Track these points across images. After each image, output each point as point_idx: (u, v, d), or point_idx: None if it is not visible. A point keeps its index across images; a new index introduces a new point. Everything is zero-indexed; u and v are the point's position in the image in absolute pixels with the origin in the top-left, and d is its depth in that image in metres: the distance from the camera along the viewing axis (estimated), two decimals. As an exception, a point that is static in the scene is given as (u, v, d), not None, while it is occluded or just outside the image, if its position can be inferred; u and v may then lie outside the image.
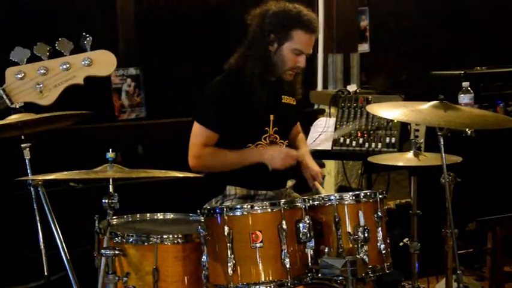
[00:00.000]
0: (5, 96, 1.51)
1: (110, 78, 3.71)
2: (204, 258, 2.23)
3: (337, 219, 2.21)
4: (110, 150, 2.17)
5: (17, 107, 2.29)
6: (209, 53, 3.97)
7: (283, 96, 2.83)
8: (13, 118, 2.41)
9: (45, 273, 2.38)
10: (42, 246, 2.39)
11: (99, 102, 3.65)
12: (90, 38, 1.59)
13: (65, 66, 1.56)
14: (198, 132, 2.68)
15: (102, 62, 1.59)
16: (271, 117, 2.75)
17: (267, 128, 2.74)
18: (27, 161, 2.43)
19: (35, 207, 2.40)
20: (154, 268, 2.27)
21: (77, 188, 3.16)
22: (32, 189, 2.41)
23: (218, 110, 2.68)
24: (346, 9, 4.38)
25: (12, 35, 3.38)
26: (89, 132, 3.49)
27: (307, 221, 2.18)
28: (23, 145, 2.51)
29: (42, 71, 1.54)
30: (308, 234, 2.18)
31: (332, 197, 2.27)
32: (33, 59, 1.58)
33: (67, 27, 3.58)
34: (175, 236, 2.31)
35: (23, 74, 1.53)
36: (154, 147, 3.80)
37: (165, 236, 2.31)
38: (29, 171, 2.43)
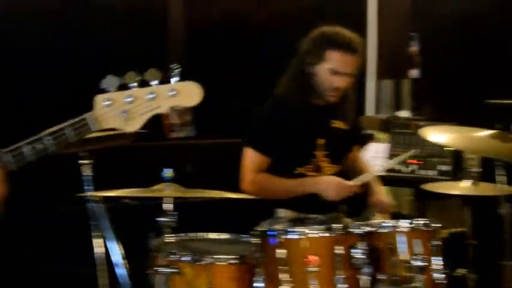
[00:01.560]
0: (90, 123, 1.55)
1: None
2: (258, 280, 2.23)
3: (392, 247, 2.19)
4: (170, 169, 2.22)
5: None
6: (258, 74, 4.01)
7: (333, 120, 2.83)
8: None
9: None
10: (97, 261, 2.42)
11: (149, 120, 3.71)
12: (178, 68, 1.61)
13: (151, 96, 1.59)
14: (250, 157, 2.69)
15: (188, 93, 1.61)
16: (320, 141, 2.75)
17: (315, 152, 2.74)
18: (86, 177, 2.48)
19: (93, 222, 2.44)
20: (207, 288, 2.28)
21: (130, 204, 3.21)
22: (90, 205, 2.46)
23: (268, 134, 2.70)
24: (396, 35, 4.38)
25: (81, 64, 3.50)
26: (140, 150, 3.54)
27: (363, 247, 2.17)
28: (81, 161, 2.59)
29: (129, 99, 1.57)
30: (363, 261, 2.16)
31: (388, 224, 2.25)
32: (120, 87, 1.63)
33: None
34: (230, 257, 2.32)
35: (111, 102, 1.57)
36: (202, 166, 3.83)
37: (220, 257, 2.32)
38: (87, 187, 2.49)
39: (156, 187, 2.24)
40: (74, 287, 3.00)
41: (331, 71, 2.66)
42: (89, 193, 2.45)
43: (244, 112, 2.99)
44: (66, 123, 1.55)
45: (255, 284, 2.24)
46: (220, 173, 3.05)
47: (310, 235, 2.18)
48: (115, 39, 3.85)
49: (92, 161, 2.51)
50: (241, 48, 4.14)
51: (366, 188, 2.79)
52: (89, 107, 1.57)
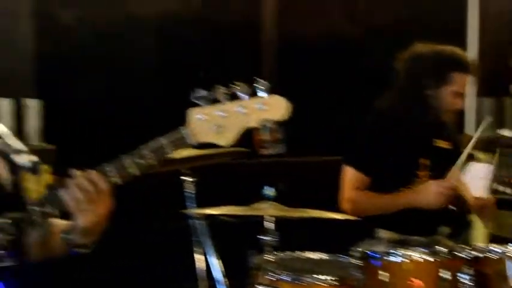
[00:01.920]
0: (185, 136, 1.58)
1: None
2: (360, 302, 2.21)
3: (502, 273, 2.12)
4: (271, 188, 2.24)
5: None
6: (350, 91, 4.00)
7: (436, 140, 2.77)
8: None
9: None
10: (199, 277, 2.48)
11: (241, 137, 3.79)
12: (266, 83, 1.63)
13: (242, 110, 1.61)
14: (350, 175, 2.67)
15: (276, 107, 1.63)
16: (424, 161, 2.69)
17: (419, 172, 2.68)
18: (189, 194, 2.55)
19: (194, 238, 2.50)
20: (309, 308, 2.28)
21: (230, 221, 3.27)
22: (192, 221, 2.53)
23: (371, 152, 2.67)
24: (496, 51, 4.24)
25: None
26: (240, 167, 3.60)
27: (470, 273, 2.10)
28: (183, 178, 2.66)
29: (221, 113, 1.59)
30: (470, 287, 2.09)
31: (497, 249, 2.17)
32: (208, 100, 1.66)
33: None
34: (330, 278, 2.31)
35: (204, 115, 1.59)
36: (300, 184, 3.84)
37: (320, 277, 2.31)
38: (190, 204, 2.56)
39: (256, 205, 2.26)
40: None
41: (455, 93, 2.62)
42: (191, 210, 2.51)
43: (340, 129, 2.99)
44: (162, 137, 1.58)
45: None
46: (318, 191, 3.05)
47: (414, 258, 2.14)
48: (207, 54, 3.96)
49: (195, 178, 2.58)
50: (335, 65, 4.14)
51: (462, 203, 2.70)
52: (180, 121, 1.61)
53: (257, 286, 2.24)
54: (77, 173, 1.57)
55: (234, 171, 3.54)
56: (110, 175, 1.56)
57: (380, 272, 2.13)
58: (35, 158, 1.61)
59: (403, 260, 2.14)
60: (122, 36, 3.75)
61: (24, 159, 1.61)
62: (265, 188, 2.25)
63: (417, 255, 2.14)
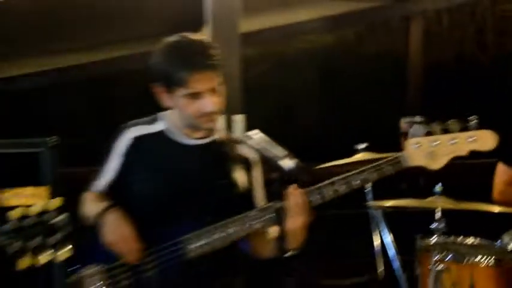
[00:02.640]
0: (402, 160, 1.94)
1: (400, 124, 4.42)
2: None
3: None
4: (440, 184, 2.78)
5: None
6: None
7: None
8: (357, 157, 3.16)
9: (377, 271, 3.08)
10: (376, 255, 3.09)
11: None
12: (476, 120, 1.92)
13: (453, 141, 1.91)
14: (501, 171, 3.02)
15: (484, 139, 1.91)
16: None
17: None
18: (368, 188, 3.16)
19: (372, 223, 3.11)
20: (470, 285, 2.79)
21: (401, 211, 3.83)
22: (371, 210, 3.14)
23: None
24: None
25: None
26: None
27: None
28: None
29: (434, 143, 1.93)
30: None
31: None
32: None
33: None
34: (490, 259, 2.78)
35: (419, 145, 1.94)
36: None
37: (480, 258, 2.80)
38: (369, 196, 3.16)
39: (429, 199, 2.81)
40: (360, 271, 3.74)
41: None
42: (370, 202, 3.12)
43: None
44: (382, 161, 1.94)
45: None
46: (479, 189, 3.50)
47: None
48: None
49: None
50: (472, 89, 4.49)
51: None
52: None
53: (429, 265, 2.76)
54: (294, 188, 1.88)
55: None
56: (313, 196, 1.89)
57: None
58: (298, 162, 1.71)
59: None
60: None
61: (289, 164, 1.68)
62: (436, 186, 2.78)
63: None
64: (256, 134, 1.84)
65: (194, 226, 1.99)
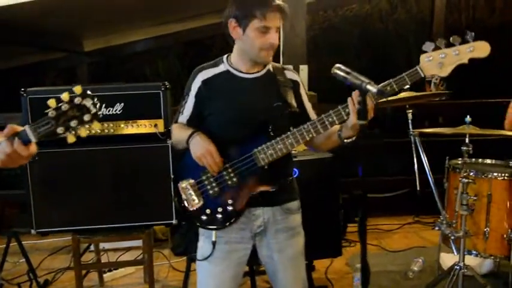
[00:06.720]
0: (419, 70, 2.11)
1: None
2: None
3: None
4: (468, 116, 3.54)
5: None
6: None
7: None
8: (402, 95, 3.89)
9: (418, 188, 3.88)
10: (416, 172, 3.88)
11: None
12: (472, 33, 2.09)
13: (456, 52, 2.11)
14: None
15: (481, 48, 2.09)
16: None
17: None
18: (410, 119, 3.93)
19: (415, 151, 3.89)
20: (488, 194, 3.56)
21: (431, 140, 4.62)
22: (412, 138, 3.92)
23: None
24: None
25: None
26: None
27: None
28: (407, 111, 4.01)
29: (442, 56, 2.12)
30: None
31: None
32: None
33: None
34: (504, 174, 3.55)
35: (431, 58, 2.14)
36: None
37: (497, 174, 3.57)
38: (410, 125, 3.94)
39: (460, 127, 3.56)
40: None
41: None
42: (412, 129, 3.89)
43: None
44: (405, 73, 2.12)
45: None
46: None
47: None
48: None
49: (411, 110, 3.95)
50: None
51: None
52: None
53: (462, 179, 3.51)
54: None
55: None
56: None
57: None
58: (380, 86, 1.92)
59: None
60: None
61: (374, 87, 1.88)
62: (467, 118, 3.53)
63: None
64: (342, 66, 2.08)
65: (261, 141, 2.31)
